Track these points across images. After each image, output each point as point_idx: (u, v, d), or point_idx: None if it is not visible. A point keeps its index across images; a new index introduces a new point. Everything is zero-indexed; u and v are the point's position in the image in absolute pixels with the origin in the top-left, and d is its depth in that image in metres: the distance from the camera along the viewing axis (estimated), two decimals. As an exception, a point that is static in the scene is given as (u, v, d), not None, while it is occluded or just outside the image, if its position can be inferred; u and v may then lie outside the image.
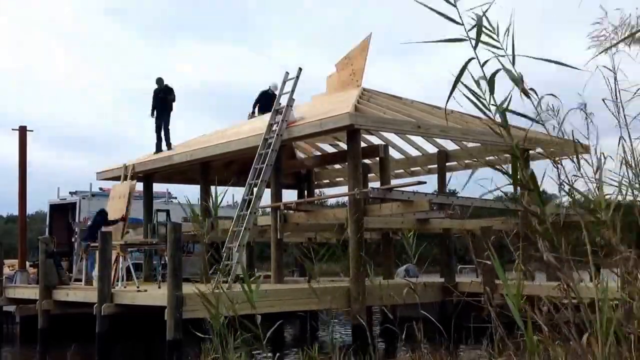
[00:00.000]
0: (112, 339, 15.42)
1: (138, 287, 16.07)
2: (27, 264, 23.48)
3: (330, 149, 22.81)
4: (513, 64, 3.71)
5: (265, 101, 20.33)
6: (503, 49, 3.70)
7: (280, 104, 16.98)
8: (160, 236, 18.74)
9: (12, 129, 23.81)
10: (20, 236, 23.55)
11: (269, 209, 17.61)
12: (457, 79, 3.63)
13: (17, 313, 20.49)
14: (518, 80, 3.70)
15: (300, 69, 17.15)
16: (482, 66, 3.67)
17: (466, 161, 21.17)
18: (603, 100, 4.17)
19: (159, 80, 20.63)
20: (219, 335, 4.55)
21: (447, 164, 20.58)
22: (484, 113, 3.80)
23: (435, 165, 20.90)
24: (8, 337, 21.35)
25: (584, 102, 4.20)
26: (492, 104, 3.77)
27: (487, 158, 20.78)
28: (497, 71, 3.66)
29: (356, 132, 15.56)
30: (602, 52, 4.09)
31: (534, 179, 3.81)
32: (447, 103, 3.75)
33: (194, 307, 13.11)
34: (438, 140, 20.13)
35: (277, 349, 17.15)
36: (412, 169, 22.92)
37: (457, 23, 3.67)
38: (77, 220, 24.36)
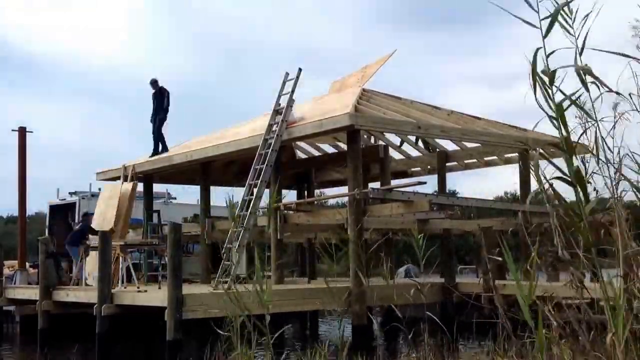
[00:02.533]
0: (112, 339, 15.40)
1: (138, 288, 16.06)
2: (27, 264, 23.48)
3: (331, 150, 22.82)
4: (580, 54, 3.70)
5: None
6: (574, 42, 3.69)
7: (280, 104, 16.96)
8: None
9: (12, 130, 23.86)
10: (20, 237, 23.53)
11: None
12: (534, 69, 3.62)
13: (16, 312, 20.49)
14: (587, 71, 3.68)
15: (300, 69, 17.14)
16: (547, 57, 3.67)
17: (466, 161, 21.20)
18: (630, 94, 4.14)
19: (153, 82, 20.82)
20: (237, 334, 4.55)
21: (447, 164, 20.60)
22: (548, 103, 3.78)
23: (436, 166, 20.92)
24: (8, 337, 21.34)
25: (615, 102, 4.16)
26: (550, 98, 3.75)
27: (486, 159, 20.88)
28: (566, 66, 3.64)
29: (356, 132, 15.54)
30: None
31: (580, 175, 3.79)
32: (535, 94, 3.73)
33: (194, 308, 13.11)
34: (438, 140, 20.15)
35: (278, 349, 17.14)
36: (412, 169, 22.93)
37: (533, 9, 3.69)
38: (76, 220, 24.33)
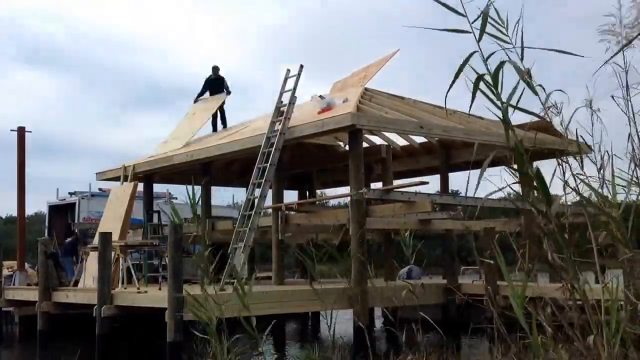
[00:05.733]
0: (112, 340, 15.31)
1: (138, 289, 15.96)
2: (27, 265, 23.42)
3: (332, 150, 22.70)
4: (522, 58, 3.60)
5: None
6: (510, 42, 3.59)
7: (282, 101, 16.84)
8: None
9: (11, 130, 23.80)
10: (19, 237, 23.46)
11: (269, 210, 17.50)
12: (458, 73, 3.52)
13: (15, 312, 20.42)
14: (524, 74, 3.58)
15: (301, 66, 17.04)
16: (485, 60, 3.55)
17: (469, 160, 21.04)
18: (612, 96, 4.04)
19: (215, 69, 21.29)
20: (215, 336, 4.46)
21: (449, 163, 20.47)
22: (497, 107, 3.68)
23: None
24: (7, 338, 21.27)
25: (589, 99, 4.07)
26: (500, 101, 3.66)
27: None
28: (501, 64, 3.56)
29: (358, 132, 15.41)
30: (620, 50, 3.95)
31: (541, 177, 3.69)
32: (446, 97, 3.65)
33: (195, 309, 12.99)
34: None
35: (278, 349, 17.06)
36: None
37: (460, 14, 3.58)
38: (76, 220, 24.28)
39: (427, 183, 17.45)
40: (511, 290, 3.39)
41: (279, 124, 16.19)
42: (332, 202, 28.25)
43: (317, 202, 20.42)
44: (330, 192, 26.09)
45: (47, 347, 17.53)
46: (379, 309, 19.52)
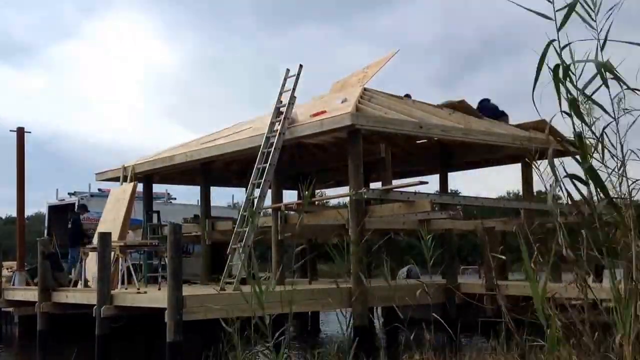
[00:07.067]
0: (111, 341, 15.29)
1: (138, 289, 15.95)
2: (26, 266, 23.39)
3: (332, 149, 22.67)
4: (602, 47, 3.56)
5: None
6: (595, 28, 3.54)
7: (281, 101, 16.84)
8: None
9: (10, 130, 23.77)
10: (18, 238, 23.42)
11: (269, 210, 17.49)
12: (540, 65, 3.48)
13: (15, 313, 20.40)
14: (607, 67, 3.53)
15: (300, 66, 17.02)
16: (560, 51, 3.51)
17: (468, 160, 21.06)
18: (635, 90, 4.00)
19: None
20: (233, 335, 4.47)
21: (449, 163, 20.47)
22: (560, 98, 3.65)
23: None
24: (7, 338, 21.24)
25: (619, 97, 4.02)
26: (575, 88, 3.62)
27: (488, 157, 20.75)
28: (585, 60, 3.49)
29: (357, 132, 15.40)
30: None
31: (595, 174, 3.67)
32: (533, 95, 3.61)
33: (195, 309, 13.00)
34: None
35: (278, 349, 17.06)
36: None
37: (548, 0, 3.57)
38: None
39: (426, 183, 17.45)
40: (533, 289, 3.39)
41: (279, 124, 16.18)
42: (332, 202, 28.19)
43: (317, 202, 20.38)
44: (330, 192, 26.03)
45: (46, 348, 17.50)
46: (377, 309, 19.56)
